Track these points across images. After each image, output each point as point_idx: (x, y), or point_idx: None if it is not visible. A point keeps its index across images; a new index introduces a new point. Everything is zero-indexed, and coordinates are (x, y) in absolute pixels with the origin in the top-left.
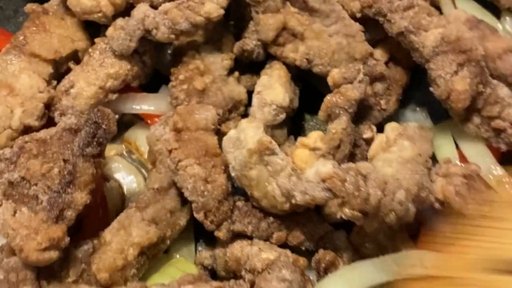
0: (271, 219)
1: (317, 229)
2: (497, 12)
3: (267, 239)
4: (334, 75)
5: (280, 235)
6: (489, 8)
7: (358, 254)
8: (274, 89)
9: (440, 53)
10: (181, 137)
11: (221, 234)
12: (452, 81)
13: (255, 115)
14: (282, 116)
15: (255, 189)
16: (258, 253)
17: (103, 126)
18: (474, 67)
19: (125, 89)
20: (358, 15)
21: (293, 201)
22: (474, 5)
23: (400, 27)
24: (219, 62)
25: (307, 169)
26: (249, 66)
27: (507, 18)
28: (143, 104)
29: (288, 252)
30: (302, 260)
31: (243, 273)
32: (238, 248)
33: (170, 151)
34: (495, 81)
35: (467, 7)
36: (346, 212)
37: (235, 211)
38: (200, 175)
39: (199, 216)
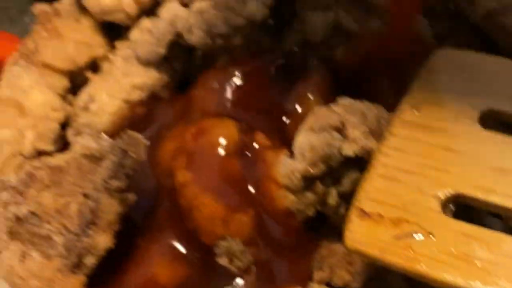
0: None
1: (367, 269)
2: None
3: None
4: None
5: (321, 275)
6: None
7: None
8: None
9: None
10: (195, 164)
11: (249, 279)
12: None
13: None
14: None
15: None
16: None
17: (132, 154)
18: None
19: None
20: None
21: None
22: None
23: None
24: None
25: None
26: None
27: None
28: None
29: None
30: None
31: None
32: None
33: (181, 185)
34: None
35: None
36: None
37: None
38: (220, 215)
39: (223, 261)
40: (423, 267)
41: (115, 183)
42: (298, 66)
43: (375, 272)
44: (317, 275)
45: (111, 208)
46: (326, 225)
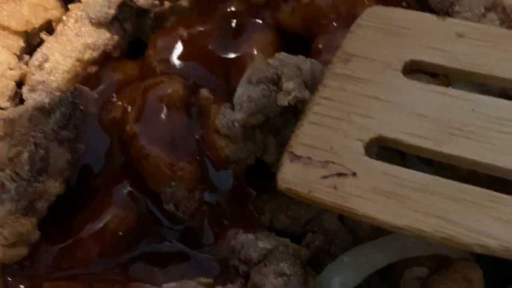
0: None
1: (304, 211)
2: None
3: None
4: None
5: (263, 219)
6: None
7: (352, 236)
8: None
9: None
10: (143, 118)
11: (195, 224)
12: None
13: None
14: None
15: None
16: (254, 242)
17: (81, 107)
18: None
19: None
20: None
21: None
22: None
23: None
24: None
25: None
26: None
27: None
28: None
29: (288, 241)
30: (303, 251)
31: (235, 263)
32: (231, 235)
33: (130, 137)
34: None
35: None
36: None
37: None
38: (166, 164)
39: (169, 207)
40: (346, 204)
41: (65, 133)
42: (243, 26)
43: (312, 214)
44: (260, 219)
45: (61, 156)
46: (267, 173)
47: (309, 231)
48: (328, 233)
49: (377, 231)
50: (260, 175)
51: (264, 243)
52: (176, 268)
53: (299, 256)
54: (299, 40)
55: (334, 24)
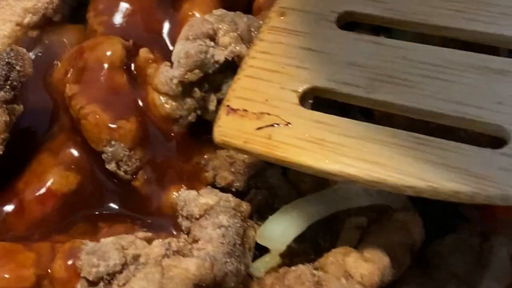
0: (196, 159)
1: (247, 168)
2: None
3: None
4: None
5: (206, 176)
6: None
7: (296, 190)
8: None
9: None
10: (82, 78)
11: (138, 183)
12: None
13: None
14: None
15: None
16: (196, 198)
17: (17, 67)
18: None
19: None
20: None
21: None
22: None
23: None
24: None
25: None
26: None
27: None
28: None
29: (230, 196)
30: (245, 205)
31: (179, 219)
32: (175, 193)
33: (70, 98)
34: None
35: None
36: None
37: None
38: (105, 123)
39: (111, 167)
40: (280, 152)
41: (1, 94)
42: None
43: (255, 170)
44: (203, 176)
45: None
46: (210, 131)
47: (253, 187)
48: (271, 188)
49: (319, 185)
50: (204, 133)
51: (206, 198)
52: (119, 227)
53: (241, 210)
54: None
55: None
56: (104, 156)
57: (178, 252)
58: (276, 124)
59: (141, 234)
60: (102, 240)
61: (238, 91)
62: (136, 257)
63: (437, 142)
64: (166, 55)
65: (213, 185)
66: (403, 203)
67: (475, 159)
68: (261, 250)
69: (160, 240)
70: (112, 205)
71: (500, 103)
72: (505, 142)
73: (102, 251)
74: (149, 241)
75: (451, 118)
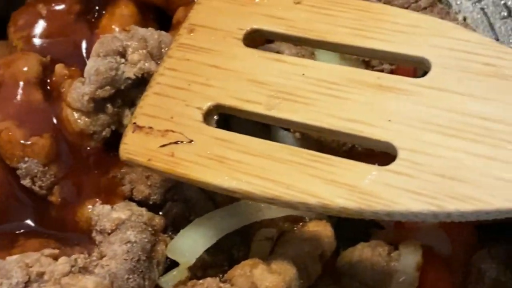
0: (112, 173)
1: (163, 181)
2: None
3: None
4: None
5: (123, 190)
6: None
7: (213, 202)
8: None
9: None
10: None
11: (53, 198)
12: None
13: None
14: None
15: None
16: (109, 213)
17: None
18: None
19: None
20: None
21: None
22: None
23: None
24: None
25: None
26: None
27: None
28: None
29: (143, 210)
30: (158, 219)
31: (93, 234)
32: (89, 207)
33: None
34: None
35: None
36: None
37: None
38: (18, 139)
39: (26, 182)
40: (181, 169)
41: None
42: (105, 0)
43: (172, 183)
44: (120, 190)
45: None
46: None
47: (169, 200)
48: (188, 200)
49: (234, 198)
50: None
51: (118, 213)
52: (34, 243)
53: (153, 225)
54: (164, 14)
55: None
56: (18, 172)
57: (84, 269)
58: (180, 141)
59: (47, 251)
60: (7, 258)
61: (145, 108)
62: (40, 275)
63: (328, 159)
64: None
65: (131, 199)
66: (317, 213)
67: (362, 175)
68: (176, 264)
69: (66, 257)
70: (29, 221)
71: (390, 120)
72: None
73: (6, 270)
74: (56, 257)
75: (344, 135)
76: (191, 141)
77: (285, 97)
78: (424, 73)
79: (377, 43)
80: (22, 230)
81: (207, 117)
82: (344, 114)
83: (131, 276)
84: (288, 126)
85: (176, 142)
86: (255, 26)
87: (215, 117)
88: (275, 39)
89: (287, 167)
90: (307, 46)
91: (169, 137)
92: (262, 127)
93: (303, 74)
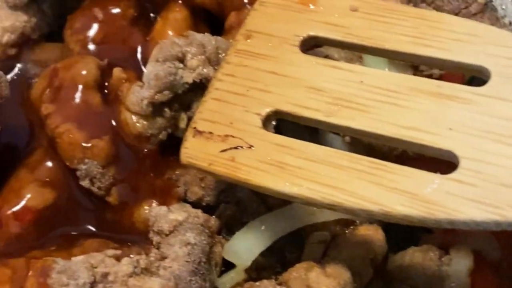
0: (167, 175)
1: (217, 183)
2: None
3: None
4: None
5: (178, 191)
6: None
7: (265, 205)
8: None
9: None
10: (58, 98)
11: (111, 199)
12: None
13: None
14: None
15: None
16: (166, 214)
17: None
18: None
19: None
20: None
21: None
22: None
23: None
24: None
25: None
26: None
27: None
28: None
29: (199, 212)
30: (213, 221)
31: (150, 235)
32: (146, 208)
33: (45, 116)
34: None
35: None
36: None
37: None
38: (79, 141)
39: (85, 183)
40: (242, 175)
41: None
42: (158, 4)
43: (225, 185)
44: (174, 191)
45: None
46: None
47: (222, 201)
48: (240, 202)
49: (287, 200)
50: (176, 149)
51: (175, 214)
52: (93, 243)
53: (209, 226)
54: (215, 18)
55: (245, 1)
56: (78, 173)
57: (146, 270)
58: (240, 146)
59: (110, 251)
60: (73, 258)
61: (204, 113)
62: (105, 275)
63: (390, 167)
64: (140, 74)
65: (185, 200)
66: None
67: (424, 183)
68: (229, 265)
69: (129, 258)
70: (88, 222)
71: (451, 129)
72: (455, 167)
73: (72, 270)
74: (118, 258)
75: (404, 143)
76: (251, 146)
77: (344, 104)
78: (472, 79)
79: (435, 51)
80: (80, 231)
81: (265, 122)
82: (404, 122)
83: (193, 278)
84: (347, 133)
85: (236, 147)
86: (312, 33)
87: (273, 123)
88: (332, 46)
89: (347, 173)
90: (364, 53)
91: (229, 142)
92: (311, 130)
93: (362, 82)
